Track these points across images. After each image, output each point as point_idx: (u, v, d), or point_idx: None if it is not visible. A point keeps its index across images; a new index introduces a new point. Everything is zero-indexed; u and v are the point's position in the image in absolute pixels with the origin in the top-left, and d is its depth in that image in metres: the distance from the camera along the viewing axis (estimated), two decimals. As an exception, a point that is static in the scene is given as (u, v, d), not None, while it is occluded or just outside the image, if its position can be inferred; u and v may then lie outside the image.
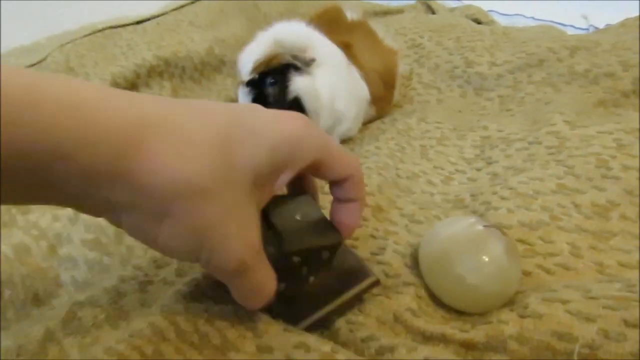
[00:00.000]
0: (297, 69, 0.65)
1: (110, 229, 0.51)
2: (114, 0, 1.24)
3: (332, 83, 0.68)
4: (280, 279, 0.36)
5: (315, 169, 0.35)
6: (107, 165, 0.27)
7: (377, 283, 0.41)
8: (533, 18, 1.32)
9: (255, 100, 0.63)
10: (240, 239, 0.31)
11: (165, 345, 0.35)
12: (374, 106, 0.80)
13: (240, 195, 0.31)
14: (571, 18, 1.32)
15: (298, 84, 0.64)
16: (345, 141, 0.77)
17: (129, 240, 0.51)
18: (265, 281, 0.34)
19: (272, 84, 0.64)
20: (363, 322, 0.39)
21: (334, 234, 0.38)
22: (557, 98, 0.75)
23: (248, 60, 0.66)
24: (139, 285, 0.44)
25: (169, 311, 0.37)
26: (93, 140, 0.26)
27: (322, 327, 0.40)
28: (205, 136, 0.30)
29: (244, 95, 0.64)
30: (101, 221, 0.51)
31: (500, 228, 0.42)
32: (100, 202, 0.29)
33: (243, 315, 0.37)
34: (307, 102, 0.65)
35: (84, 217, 0.52)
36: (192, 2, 1.13)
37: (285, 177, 0.33)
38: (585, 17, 1.28)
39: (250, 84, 0.64)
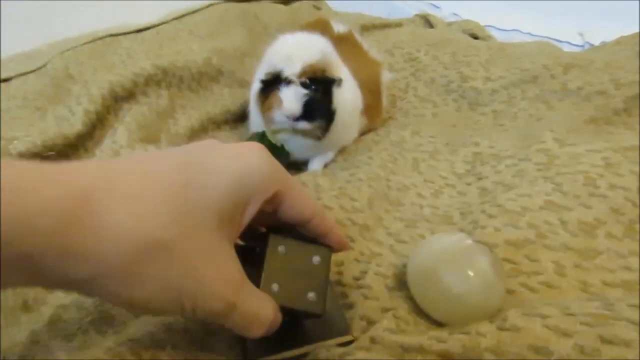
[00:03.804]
0: (337, 85, 0.70)
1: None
2: (117, 7, 1.26)
3: (350, 99, 0.73)
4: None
5: (278, 203, 0.35)
6: (53, 243, 0.25)
7: (351, 342, 0.41)
8: (530, 34, 1.33)
9: (307, 103, 0.65)
10: (219, 280, 0.30)
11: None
12: (364, 115, 0.82)
13: (208, 236, 0.30)
14: (568, 34, 1.33)
15: (339, 99, 0.69)
16: (340, 151, 0.78)
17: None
18: (258, 309, 0.34)
19: (321, 92, 0.67)
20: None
21: (323, 248, 0.39)
22: (549, 115, 0.76)
23: (289, 56, 0.67)
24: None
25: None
26: (32, 222, 0.24)
27: None
28: (158, 189, 0.29)
29: (295, 94, 0.65)
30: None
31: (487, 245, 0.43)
32: (61, 279, 0.27)
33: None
34: (341, 117, 0.70)
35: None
36: (193, 12, 1.14)
37: (252, 209, 0.33)
38: (581, 34, 1.29)
39: (304, 86, 0.66)
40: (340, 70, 0.74)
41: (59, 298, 0.46)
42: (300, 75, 0.66)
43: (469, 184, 0.63)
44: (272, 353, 0.39)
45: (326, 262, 0.39)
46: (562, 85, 0.82)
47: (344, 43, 0.84)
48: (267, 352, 0.39)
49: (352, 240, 0.52)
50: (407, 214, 0.58)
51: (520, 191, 0.55)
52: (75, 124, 0.69)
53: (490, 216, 0.53)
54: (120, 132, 0.69)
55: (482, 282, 0.40)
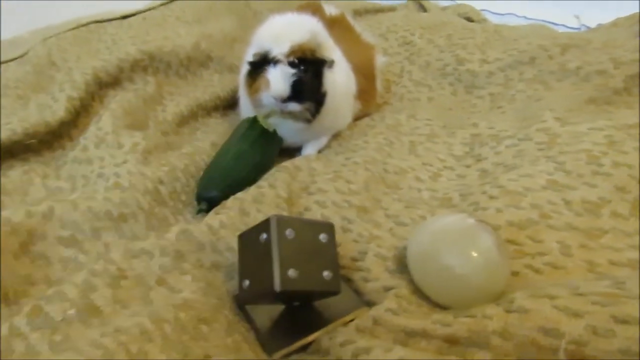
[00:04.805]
0: (327, 66, 0.67)
1: (87, 224, 0.49)
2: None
3: (342, 82, 0.71)
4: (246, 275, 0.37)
5: None
6: None
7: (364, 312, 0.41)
8: (525, 17, 1.31)
9: (296, 83, 0.62)
10: None
11: (150, 346, 0.34)
12: (358, 100, 0.79)
13: None
14: (563, 18, 1.31)
15: (330, 81, 0.67)
16: (334, 136, 0.76)
17: (107, 236, 0.50)
18: None
19: (311, 73, 0.64)
20: (341, 330, 0.38)
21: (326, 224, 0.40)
22: (548, 95, 0.74)
23: (277, 36, 0.65)
24: (112, 280, 0.42)
25: (158, 317, 0.36)
26: None
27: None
28: None
29: (283, 74, 0.63)
30: (77, 217, 0.50)
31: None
32: None
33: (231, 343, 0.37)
34: (332, 100, 0.68)
35: (60, 212, 0.50)
36: (181, -2, 1.11)
37: None
38: (577, 17, 1.27)
39: (292, 65, 0.63)
40: (332, 52, 0.72)
41: (41, 290, 0.43)
42: (288, 55, 0.64)
43: (468, 166, 0.61)
44: (291, 341, 0.38)
45: (332, 238, 0.39)
46: (560, 65, 0.80)
47: (336, 26, 0.81)
48: (284, 341, 0.38)
49: (350, 222, 0.50)
50: (405, 196, 0.56)
51: (521, 171, 0.53)
52: (57, 111, 0.66)
53: (492, 197, 0.51)
54: (105, 119, 0.66)
55: (486, 263, 0.38)
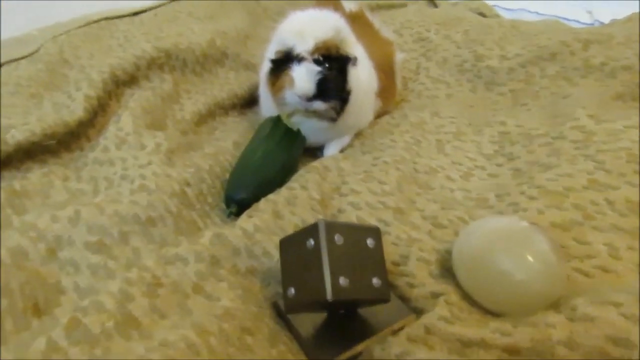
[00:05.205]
0: (352, 63, 0.65)
1: (115, 229, 0.48)
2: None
3: (365, 80, 0.69)
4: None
5: None
6: None
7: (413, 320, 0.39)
8: (537, 13, 1.30)
9: (321, 81, 0.61)
10: None
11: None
12: (379, 97, 0.78)
13: None
14: (575, 13, 1.30)
15: (354, 78, 0.65)
16: (356, 135, 0.74)
17: (136, 241, 0.48)
18: None
19: (336, 70, 0.63)
20: (393, 341, 0.37)
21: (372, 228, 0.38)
22: (574, 92, 0.73)
23: (300, 33, 0.62)
24: (147, 288, 0.40)
25: (202, 329, 0.35)
26: None
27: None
28: None
29: (308, 71, 0.61)
30: (105, 221, 0.48)
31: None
32: None
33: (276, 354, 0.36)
34: (356, 97, 0.66)
35: (86, 217, 0.48)
36: (190, -6, 1.09)
37: None
38: (590, 12, 1.26)
39: (317, 63, 0.61)
40: (355, 48, 0.70)
41: (74, 300, 0.42)
42: (313, 52, 0.62)
43: (499, 165, 0.60)
44: (339, 351, 0.37)
45: (379, 243, 0.37)
46: (583, 61, 0.79)
47: (356, 22, 0.79)
48: (332, 351, 0.37)
49: (387, 224, 0.48)
50: (439, 197, 0.54)
51: (559, 170, 0.52)
52: (75, 111, 0.64)
53: (531, 198, 0.49)
54: (124, 119, 0.64)
55: (543, 267, 0.36)
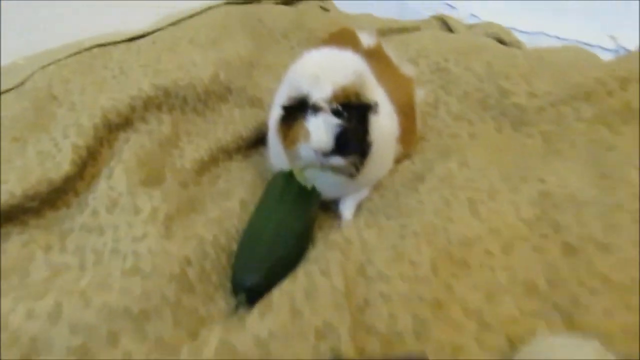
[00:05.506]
0: (373, 111, 0.58)
1: (103, 327, 0.40)
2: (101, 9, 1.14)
3: (387, 126, 0.63)
4: None
5: None
6: None
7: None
8: (557, 37, 1.23)
9: (340, 134, 0.54)
10: None
11: None
12: (399, 142, 0.71)
13: None
14: (596, 36, 1.24)
15: (376, 127, 0.59)
16: (375, 186, 0.67)
17: (126, 342, 0.40)
18: None
19: (356, 121, 0.56)
20: None
21: None
22: (618, 142, 0.66)
23: (316, 77, 0.56)
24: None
25: None
26: None
27: None
28: None
29: (325, 123, 0.54)
30: (91, 317, 0.40)
31: None
32: None
33: None
34: (377, 148, 0.59)
35: (69, 311, 0.40)
36: (191, 16, 1.01)
37: None
38: (613, 38, 1.20)
39: (335, 113, 0.54)
40: (376, 92, 0.63)
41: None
42: (330, 101, 0.55)
43: (544, 236, 0.52)
44: None
45: None
46: (624, 104, 0.72)
47: (374, 58, 0.72)
48: None
49: (424, 324, 0.41)
50: (479, 280, 0.47)
51: (623, 254, 0.45)
52: (62, 164, 0.57)
53: (593, 292, 0.42)
54: (117, 174, 0.56)
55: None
